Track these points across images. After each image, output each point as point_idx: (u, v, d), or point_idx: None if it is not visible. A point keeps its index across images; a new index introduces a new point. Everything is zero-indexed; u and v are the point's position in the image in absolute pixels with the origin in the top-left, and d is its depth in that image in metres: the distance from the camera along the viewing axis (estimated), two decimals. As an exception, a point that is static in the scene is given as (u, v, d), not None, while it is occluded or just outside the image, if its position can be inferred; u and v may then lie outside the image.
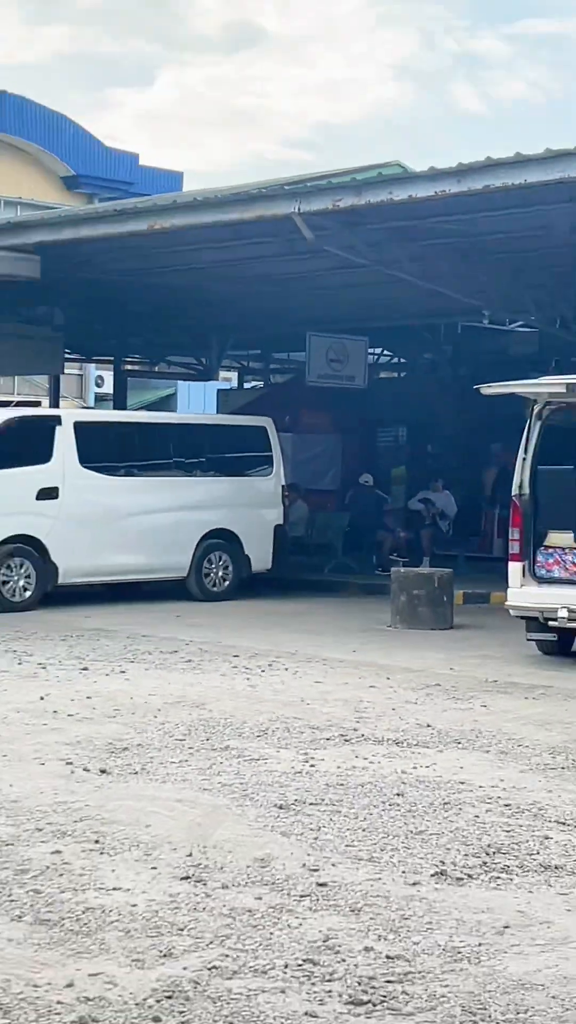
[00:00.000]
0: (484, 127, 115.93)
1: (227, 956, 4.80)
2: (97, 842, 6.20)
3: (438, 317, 21.53)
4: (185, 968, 4.68)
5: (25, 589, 16.12)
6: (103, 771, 7.64)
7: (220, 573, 17.95)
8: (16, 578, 16.04)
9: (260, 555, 18.23)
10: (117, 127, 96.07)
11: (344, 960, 4.79)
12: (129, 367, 26.50)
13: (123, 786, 7.32)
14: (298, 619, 15.98)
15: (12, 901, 5.37)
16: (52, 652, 12.51)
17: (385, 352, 27.13)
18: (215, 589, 17.84)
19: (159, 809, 6.79)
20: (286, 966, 4.71)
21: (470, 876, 5.85)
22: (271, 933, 5.06)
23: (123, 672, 11.30)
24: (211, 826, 6.51)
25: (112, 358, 26.95)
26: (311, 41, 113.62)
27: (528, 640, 12.92)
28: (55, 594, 16.56)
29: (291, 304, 21.43)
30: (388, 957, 4.83)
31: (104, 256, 18.62)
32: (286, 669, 11.74)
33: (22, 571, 16.09)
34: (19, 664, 11.67)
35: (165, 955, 4.80)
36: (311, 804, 7.04)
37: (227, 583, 17.98)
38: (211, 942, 4.95)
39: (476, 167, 13.41)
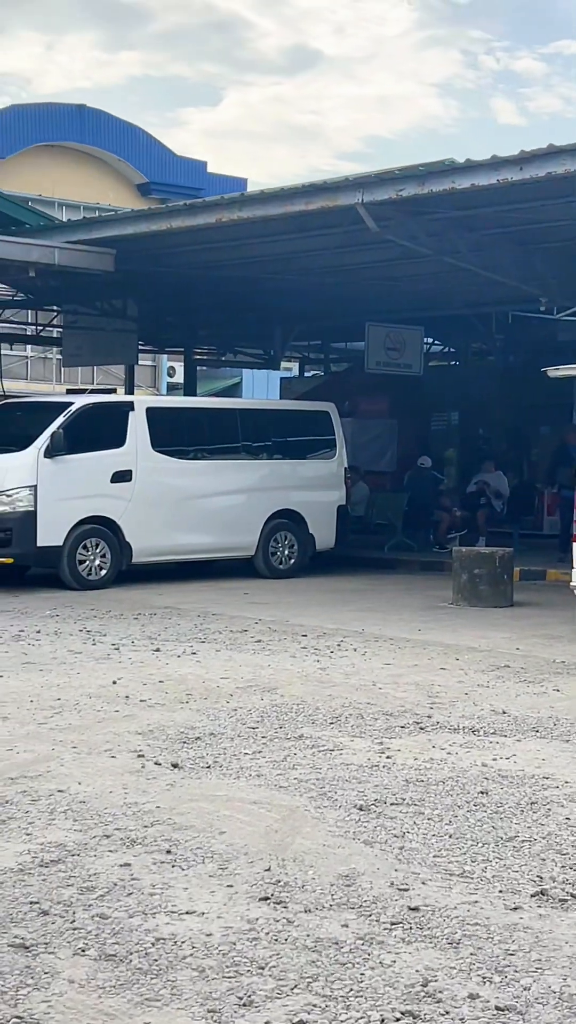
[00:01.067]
0: (522, 140, 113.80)
1: (314, 1006, 3.83)
2: (169, 852, 5.24)
3: (494, 305, 20.37)
4: (268, 1023, 3.70)
5: (100, 568, 15.22)
6: (175, 765, 6.68)
7: (286, 552, 16.99)
8: (92, 557, 15.14)
9: (324, 534, 17.27)
10: (186, 143, 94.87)
11: (448, 1012, 3.80)
12: (198, 356, 25.51)
13: (196, 783, 6.35)
14: (362, 597, 14.98)
15: (76, 929, 4.42)
16: (125, 632, 11.58)
17: (436, 341, 25.94)
18: (281, 567, 16.88)
19: (233, 812, 5.82)
20: (382, 1021, 3.72)
21: (574, 896, 4.83)
22: (362, 973, 4.08)
23: (194, 654, 10.34)
24: (289, 832, 5.53)
25: (182, 349, 25.99)
26: (363, 62, 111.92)
27: (592, 620, 11.85)
28: (128, 572, 15.66)
29: (351, 294, 20.37)
30: (498, 1008, 3.84)
31: (175, 250, 17.65)
32: (354, 650, 10.74)
33: (98, 551, 15.19)
34: (93, 645, 10.74)
35: (244, 1003, 3.84)
36: (392, 804, 6.05)
37: (292, 561, 17.02)
38: (296, 985, 3.97)
39: (538, 154, 12.29)
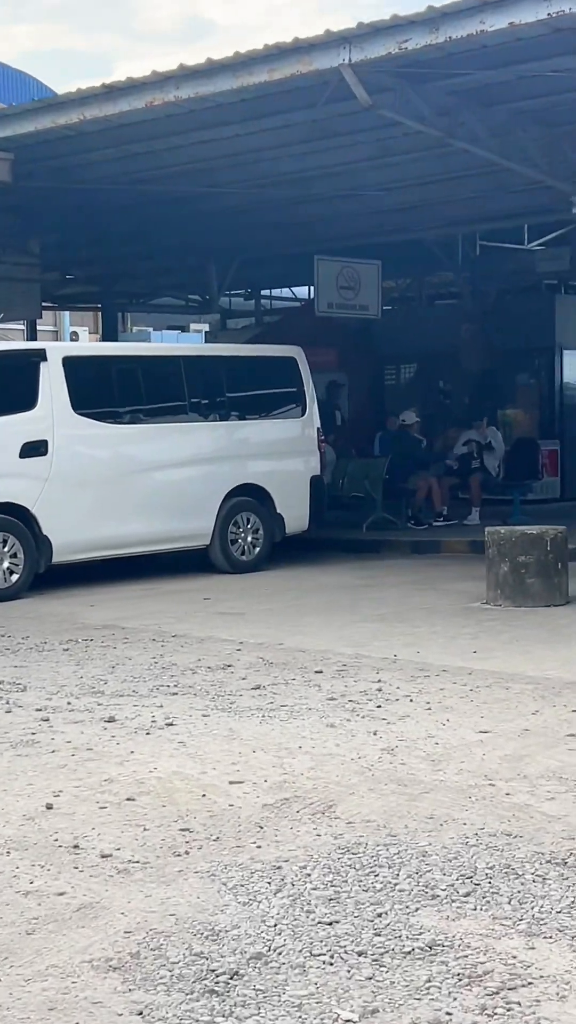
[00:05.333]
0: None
1: None
2: None
3: (500, 219, 16.24)
4: None
5: (11, 572, 11.34)
6: None
7: (249, 539, 13.24)
8: (-1, 559, 11.20)
9: (295, 514, 13.53)
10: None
11: None
12: (120, 302, 21.44)
13: None
14: (361, 596, 11.27)
15: None
16: (54, 680, 7.68)
17: (393, 278, 22.09)
18: (244, 558, 13.13)
19: None
20: None
21: None
22: None
23: (170, 724, 6.47)
24: None
25: (97, 306, 22.02)
26: (256, 30, 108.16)
27: None
28: (47, 575, 11.75)
29: (303, 216, 16.45)
30: None
31: (89, 155, 13.65)
32: (409, 699, 7.01)
33: (6, 549, 11.31)
34: (7, 712, 6.81)
35: None
36: None
37: (257, 550, 13.29)
38: None
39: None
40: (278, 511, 13.33)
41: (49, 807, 5.07)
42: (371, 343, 20.74)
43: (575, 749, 5.87)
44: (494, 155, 11.49)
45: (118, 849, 4.57)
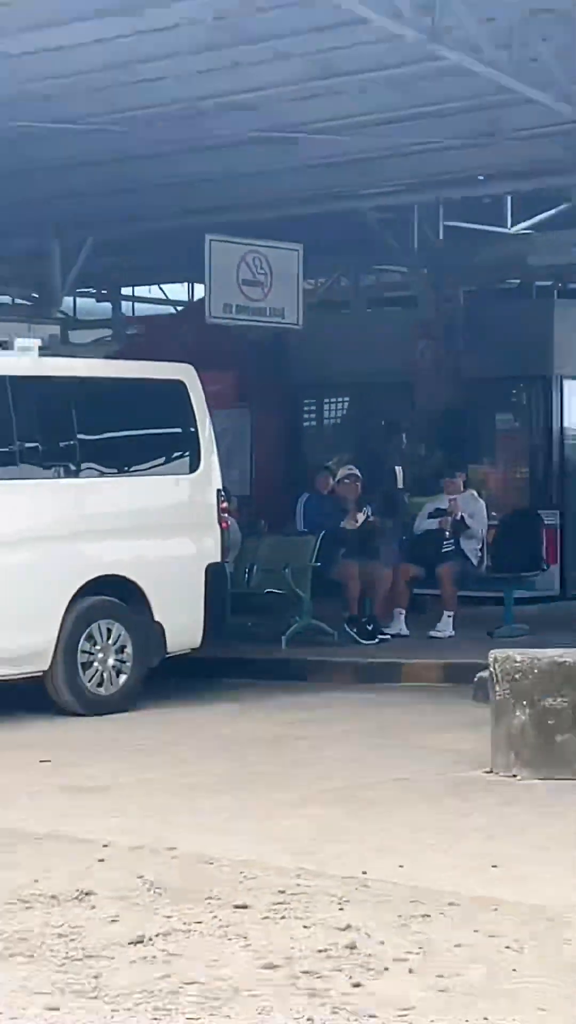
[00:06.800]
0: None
1: None
2: None
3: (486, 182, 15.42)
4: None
5: None
6: None
7: (111, 661, 12.29)
8: None
9: (183, 622, 12.64)
10: None
11: None
12: None
13: None
14: (292, 757, 10.29)
15: None
16: None
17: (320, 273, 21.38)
18: (103, 692, 12.25)
19: None
20: None
21: None
22: None
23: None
24: None
25: None
26: None
27: None
28: None
29: (190, 172, 15.72)
30: None
31: None
32: (406, 967, 5.51)
33: None
34: None
35: None
36: None
37: (123, 679, 12.37)
38: None
39: None
40: (156, 618, 12.36)
41: None
42: (286, 365, 20.20)
43: None
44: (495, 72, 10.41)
45: None
